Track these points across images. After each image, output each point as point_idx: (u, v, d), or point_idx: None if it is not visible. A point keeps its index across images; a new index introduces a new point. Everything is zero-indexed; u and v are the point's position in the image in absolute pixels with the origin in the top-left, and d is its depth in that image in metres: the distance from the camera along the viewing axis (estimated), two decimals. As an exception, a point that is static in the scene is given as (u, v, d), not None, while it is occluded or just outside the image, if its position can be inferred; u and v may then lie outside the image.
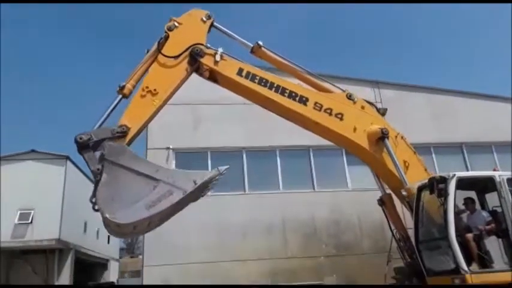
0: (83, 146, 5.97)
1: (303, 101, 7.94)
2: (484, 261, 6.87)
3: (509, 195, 7.21)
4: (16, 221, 20.45)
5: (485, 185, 7.94)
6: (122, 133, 6.28)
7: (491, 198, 8.06)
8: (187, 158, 14.53)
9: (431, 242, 7.50)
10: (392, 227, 8.59)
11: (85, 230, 25.60)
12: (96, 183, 5.82)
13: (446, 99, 17.02)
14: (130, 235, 7.00)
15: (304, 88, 8.38)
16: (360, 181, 15.12)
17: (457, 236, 6.80)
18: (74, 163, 23.19)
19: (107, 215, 5.36)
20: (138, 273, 13.28)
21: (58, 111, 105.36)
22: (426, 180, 7.43)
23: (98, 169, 5.83)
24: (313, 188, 14.90)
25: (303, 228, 14.17)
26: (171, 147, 14.41)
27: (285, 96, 7.84)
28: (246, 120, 15.03)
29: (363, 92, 15.28)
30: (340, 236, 14.24)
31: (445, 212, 6.94)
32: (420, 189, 7.70)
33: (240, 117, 15.02)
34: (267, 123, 15.11)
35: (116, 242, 35.26)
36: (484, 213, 7.71)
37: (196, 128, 14.80)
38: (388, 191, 9.11)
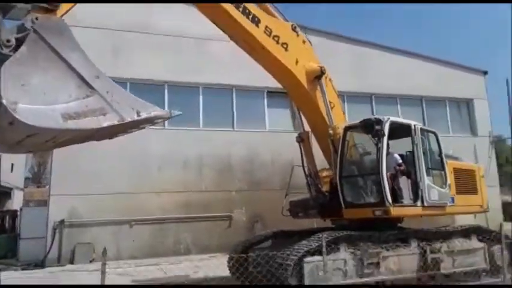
0: None
1: (255, 21, 7.57)
2: (396, 197, 7.69)
3: (420, 142, 8.20)
4: None
5: (402, 132, 8.48)
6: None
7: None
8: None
9: (354, 178, 8.23)
10: (305, 163, 9.09)
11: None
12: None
13: (365, 51, 18.01)
14: (18, 147, 4.96)
15: (257, 8, 7.83)
16: (277, 123, 15.91)
17: (375, 173, 7.60)
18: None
19: (4, 100, 3.73)
20: (44, 203, 12.86)
21: None
22: (357, 121, 8.15)
23: (9, 40, 4.11)
24: (233, 127, 15.32)
25: (218, 164, 14.69)
26: (86, 73, 13.56)
27: (239, 10, 7.31)
28: (171, 54, 14.58)
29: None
30: (253, 173, 15.07)
31: (379, 150, 7.55)
32: (347, 129, 8.32)
33: (165, 50, 14.53)
34: (192, 58, 14.87)
35: (21, 172, 33.10)
36: (396, 156, 8.45)
37: (116, 56, 13.97)
38: (307, 128, 9.36)
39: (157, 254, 12.78)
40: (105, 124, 4.32)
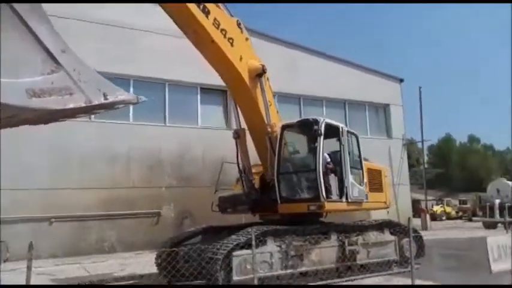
0: None
1: (206, 11, 7.29)
2: (326, 193, 8.08)
3: (346, 142, 8.84)
4: None
5: (331, 132, 8.90)
6: None
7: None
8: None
9: (291, 174, 8.59)
10: (240, 160, 9.14)
11: None
12: None
13: (295, 53, 18.72)
14: None
15: None
16: (209, 120, 16.01)
17: (311, 170, 8.05)
18: None
19: None
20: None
21: None
22: (294, 121, 8.67)
23: None
24: (164, 122, 15.12)
25: (148, 160, 14.43)
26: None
27: None
28: (101, 41, 13.94)
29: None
30: (183, 169, 15.00)
31: (316, 149, 8.03)
32: (284, 127, 8.64)
33: (97, 38, 13.86)
34: (124, 50, 14.36)
35: None
36: (326, 155, 8.81)
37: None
38: (244, 126, 9.44)
39: (79, 253, 12.24)
40: (70, 105, 3.91)
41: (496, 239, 6.87)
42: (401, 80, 22.03)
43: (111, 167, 13.76)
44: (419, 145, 35.28)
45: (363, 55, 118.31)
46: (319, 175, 7.92)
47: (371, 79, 20.72)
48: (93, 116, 13.75)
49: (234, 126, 16.28)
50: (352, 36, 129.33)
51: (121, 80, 14.55)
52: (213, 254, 7.05)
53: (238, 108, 9.22)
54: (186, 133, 15.26)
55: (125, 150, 14.05)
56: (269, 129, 8.54)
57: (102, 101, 4.13)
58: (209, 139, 15.26)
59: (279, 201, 8.23)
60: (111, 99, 4.18)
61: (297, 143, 9.12)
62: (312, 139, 8.28)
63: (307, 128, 8.31)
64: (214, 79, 16.66)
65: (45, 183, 12.41)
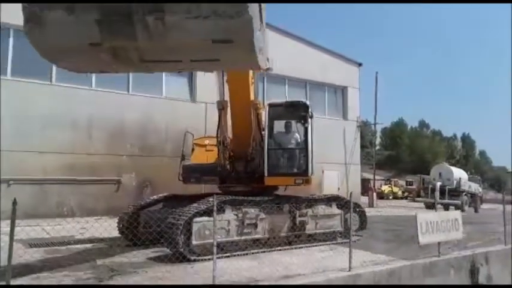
0: None
1: None
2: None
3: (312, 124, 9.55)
4: None
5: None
6: None
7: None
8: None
9: (280, 150, 9.31)
10: (219, 132, 9.35)
11: None
12: None
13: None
14: None
15: None
16: (174, 91, 16.14)
17: (301, 148, 9.03)
18: None
19: None
20: None
21: None
22: (281, 100, 9.50)
23: None
24: (128, 91, 15.10)
25: (110, 127, 14.48)
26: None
27: None
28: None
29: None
30: (145, 138, 15.22)
31: (306, 129, 9.02)
32: (271, 105, 9.37)
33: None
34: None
35: None
36: (297, 135, 9.64)
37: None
38: (227, 98, 9.57)
39: (38, 216, 12.31)
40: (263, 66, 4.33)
41: (425, 216, 7.87)
42: (359, 64, 22.94)
43: (73, 132, 13.74)
44: (373, 127, 37.03)
45: (324, 36, 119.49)
46: (308, 153, 8.96)
47: (331, 61, 21.46)
48: (54, 80, 13.58)
49: (198, 99, 16.68)
50: (314, 16, 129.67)
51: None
52: (175, 219, 7.58)
53: (225, 81, 9.28)
54: (150, 103, 15.36)
55: (87, 116, 14.03)
56: (258, 105, 9.10)
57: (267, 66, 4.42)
58: (173, 110, 15.49)
59: (266, 174, 8.90)
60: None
61: (286, 121, 9.77)
62: (301, 120, 9.15)
63: (296, 109, 9.15)
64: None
65: (4, 146, 12.23)
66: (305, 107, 9.16)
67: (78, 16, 3.33)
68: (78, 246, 8.53)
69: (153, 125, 15.36)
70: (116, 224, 9.30)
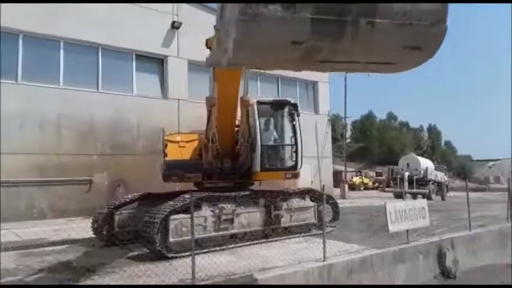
0: None
1: None
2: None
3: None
4: None
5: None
6: None
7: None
8: None
9: (272, 147, 9.58)
10: (209, 128, 9.29)
11: None
12: None
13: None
14: None
15: None
16: (145, 88, 15.94)
17: (292, 144, 9.54)
18: None
19: None
20: None
21: None
22: (268, 99, 9.89)
23: None
24: (97, 88, 14.79)
25: (80, 126, 14.13)
26: None
27: None
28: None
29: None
30: (117, 136, 14.90)
31: (294, 127, 9.63)
32: (259, 103, 9.53)
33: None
34: (53, 9, 13.64)
35: None
36: (286, 131, 9.97)
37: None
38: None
39: (7, 219, 11.89)
40: None
41: (394, 205, 8.23)
42: (330, 59, 23.28)
43: (42, 132, 13.34)
44: (343, 121, 37.85)
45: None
46: (298, 148, 9.50)
47: (302, 57, 21.67)
48: (20, 78, 13.19)
49: (170, 96, 16.56)
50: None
51: (50, 42, 13.99)
52: (151, 218, 7.60)
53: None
54: (121, 101, 15.09)
55: (56, 115, 13.64)
56: (248, 102, 9.28)
57: None
58: (145, 108, 15.31)
59: (258, 170, 9.17)
60: None
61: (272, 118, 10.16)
62: (289, 118, 9.67)
63: (284, 107, 9.71)
64: (151, 47, 16.65)
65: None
66: (293, 105, 9.68)
67: (295, 13, 3.25)
68: (53, 248, 8.37)
69: (124, 123, 15.10)
70: (90, 225, 9.21)
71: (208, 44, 8.68)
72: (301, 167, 9.73)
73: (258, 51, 3.71)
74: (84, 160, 14.09)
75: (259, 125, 9.41)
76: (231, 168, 9.41)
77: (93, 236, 9.07)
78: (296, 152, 9.59)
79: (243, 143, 9.34)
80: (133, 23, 15.21)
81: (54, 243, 9.07)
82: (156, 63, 16.45)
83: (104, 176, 14.50)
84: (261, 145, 9.29)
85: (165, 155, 9.30)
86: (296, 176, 9.67)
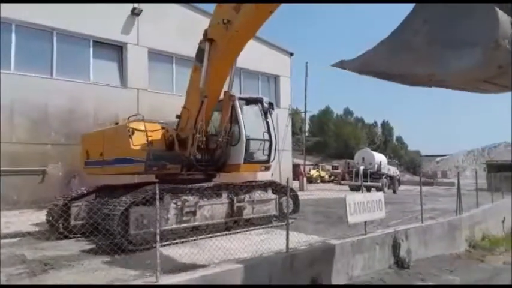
0: None
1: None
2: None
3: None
4: None
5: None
6: None
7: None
8: None
9: (254, 140, 9.73)
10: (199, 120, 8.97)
11: None
12: None
13: (195, 17, 18.45)
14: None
15: None
16: (102, 76, 15.35)
17: (265, 139, 10.00)
18: None
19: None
20: None
21: None
22: (253, 96, 10.49)
23: None
24: (51, 75, 14.08)
25: (33, 113, 13.45)
26: None
27: None
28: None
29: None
30: (72, 125, 14.20)
31: (268, 123, 10.12)
32: (239, 98, 9.72)
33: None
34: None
35: None
36: (263, 127, 10.14)
37: None
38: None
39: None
40: None
41: (353, 197, 8.50)
42: (291, 54, 23.60)
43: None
44: (303, 115, 38.46)
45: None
46: (272, 143, 10.04)
47: (264, 50, 21.77)
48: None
49: (130, 85, 16.08)
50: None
51: (1, 25, 13.10)
52: (110, 210, 7.39)
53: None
54: (76, 88, 14.47)
55: (7, 102, 12.85)
56: (233, 96, 9.51)
57: None
58: (102, 96, 14.78)
59: (241, 162, 9.39)
60: None
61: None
62: (265, 114, 10.16)
63: (258, 104, 10.17)
64: (109, 33, 16.06)
65: None
66: (268, 103, 10.24)
67: None
68: (5, 240, 7.93)
69: (81, 111, 14.48)
70: (45, 217, 8.83)
71: (207, 35, 9.38)
72: (273, 160, 10.18)
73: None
74: (37, 149, 13.46)
75: (243, 119, 9.55)
76: (211, 160, 9.48)
77: (48, 228, 8.69)
78: (270, 146, 10.07)
79: (224, 136, 9.33)
80: (91, 7, 14.57)
81: (5, 236, 8.59)
82: (115, 50, 15.89)
83: (58, 166, 13.90)
84: (246, 139, 9.47)
85: (151, 143, 8.73)
86: (268, 168, 10.22)
